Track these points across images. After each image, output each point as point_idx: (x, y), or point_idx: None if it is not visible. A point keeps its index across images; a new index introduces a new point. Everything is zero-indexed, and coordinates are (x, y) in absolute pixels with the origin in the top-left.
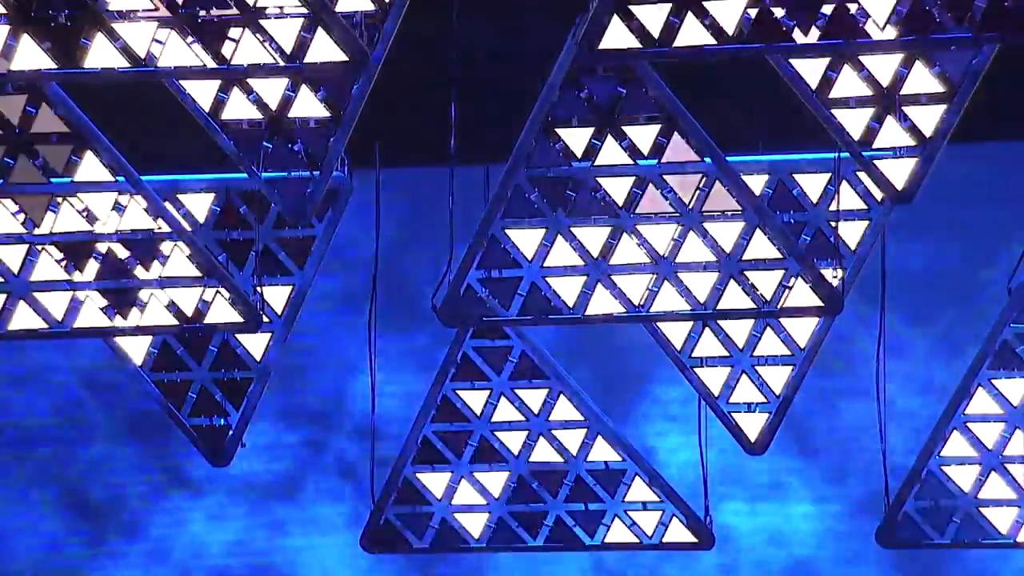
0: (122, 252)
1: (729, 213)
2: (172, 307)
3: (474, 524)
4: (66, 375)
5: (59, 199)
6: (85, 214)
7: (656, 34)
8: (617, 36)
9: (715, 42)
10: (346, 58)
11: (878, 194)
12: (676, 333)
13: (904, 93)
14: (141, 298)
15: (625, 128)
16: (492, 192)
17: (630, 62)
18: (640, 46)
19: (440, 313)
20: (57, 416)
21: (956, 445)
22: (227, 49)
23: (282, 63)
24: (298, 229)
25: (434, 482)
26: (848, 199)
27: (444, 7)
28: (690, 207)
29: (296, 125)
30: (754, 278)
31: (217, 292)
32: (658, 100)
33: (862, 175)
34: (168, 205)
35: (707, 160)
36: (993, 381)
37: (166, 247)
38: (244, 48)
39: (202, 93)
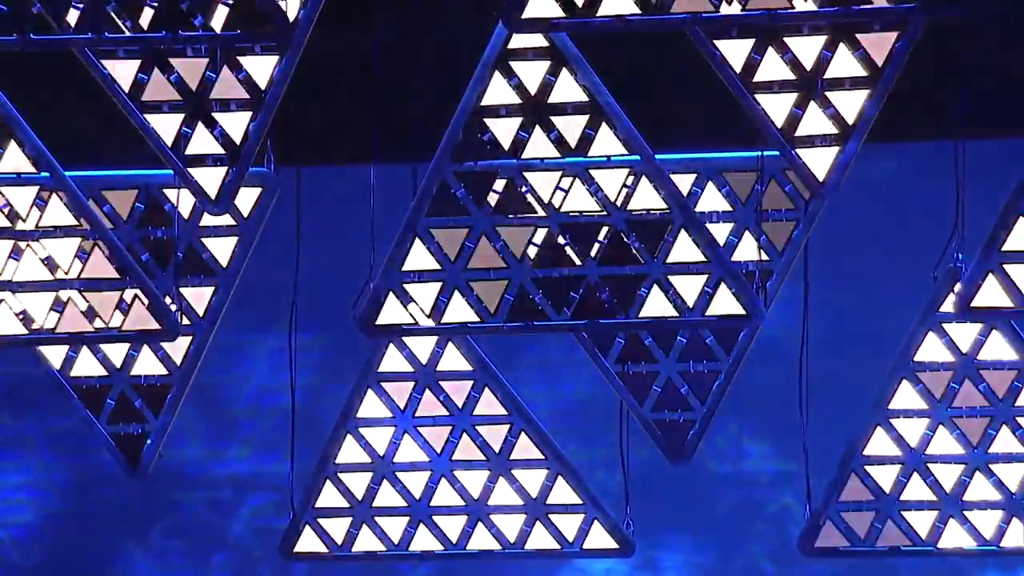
0: (41, 251)
1: (656, 213)
2: (91, 311)
3: (394, 528)
4: None
5: None
6: (7, 210)
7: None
8: (541, 9)
9: (639, 11)
10: (267, 26)
11: (807, 194)
12: (602, 340)
13: (828, 77)
14: (60, 300)
15: (553, 118)
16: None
17: (552, 32)
18: (563, 16)
19: (360, 323)
20: None
21: (879, 444)
22: (145, 20)
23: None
24: (222, 228)
25: (356, 483)
26: (777, 199)
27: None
28: (618, 206)
29: (216, 109)
30: (678, 283)
31: (136, 296)
32: (587, 89)
33: (790, 174)
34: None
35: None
36: (918, 373)
37: (87, 246)
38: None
39: (122, 74)
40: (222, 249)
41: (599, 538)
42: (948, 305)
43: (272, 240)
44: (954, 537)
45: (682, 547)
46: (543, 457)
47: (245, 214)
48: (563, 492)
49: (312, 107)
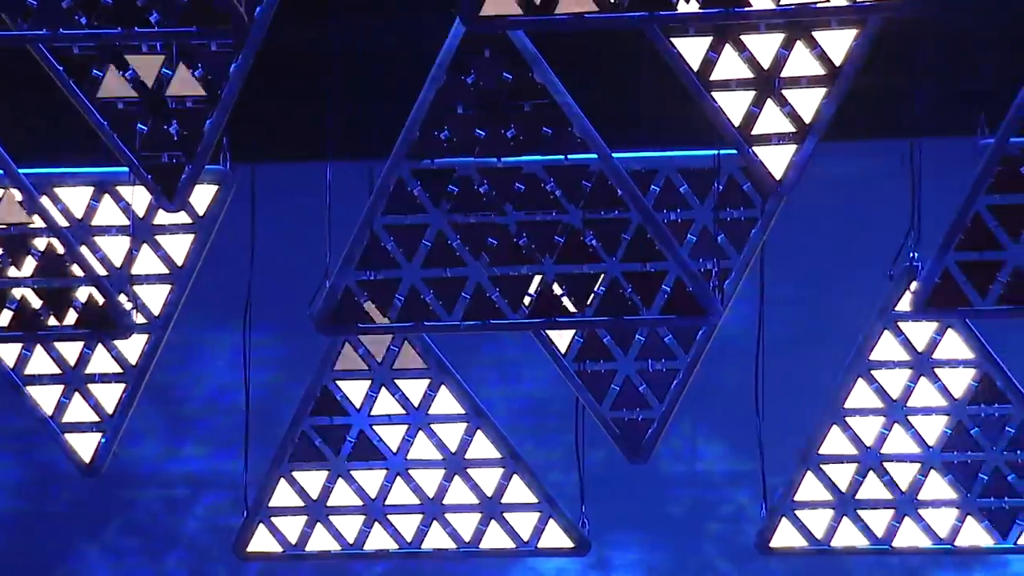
0: None
1: (615, 211)
2: (45, 309)
3: (349, 527)
4: None
5: None
6: None
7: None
8: (499, 6)
9: (597, 9)
10: (223, 23)
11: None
12: (560, 338)
13: (785, 75)
14: (14, 297)
15: (511, 116)
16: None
17: (510, 30)
18: (521, 13)
19: (316, 322)
20: None
21: (835, 442)
22: (101, 16)
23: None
24: (177, 226)
25: (311, 482)
26: (735, 198)
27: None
28: (578, 204)
29: (172, 106)
30: (635, 281)
31: (90, 293)
32: (545, 87)
33: (748, 172)
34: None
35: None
36: (873, 372)
37: (40, 244)
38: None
39: (78, 69)
40: (178, 247)
41: (554, 537)
42: (904, 304)
43: (228, 237)
44: (909, 536)
45: (634, 546)
46: (499, 456)
47: (201, 212)
48: (519, 491)
49: (268, 105)
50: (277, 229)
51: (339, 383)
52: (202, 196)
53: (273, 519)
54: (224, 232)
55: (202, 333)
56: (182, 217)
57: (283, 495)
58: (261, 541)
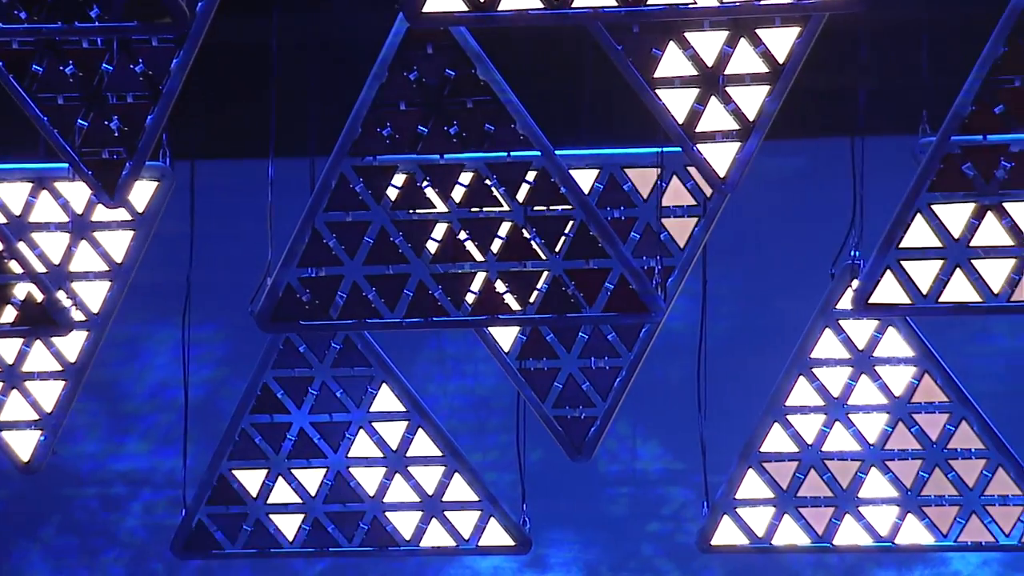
0: None
1: (556, 209)
2: None
3: (289, 525)
4: None
5: None
6: None
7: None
8: (442, 3)
9: (541, 6)
10: (164, 17)
11: (707, 190)
12: (504, 336)
13: (729, 73)
14: None
15: (454, 113)
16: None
17: (453, 26)
18: (465, 10)
19: (257, 319)
20: None
21: (776, 440)
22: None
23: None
24: (116, 222)
25: (251, 480)
26: (679, 195)
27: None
28: (520, 201)
29: (113, 101)
30: (579, 278)
31: (29, 290)
32: (487, 84)
33: (691, 170)
34: None
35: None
36: (814, 370)
37: None
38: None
39: (17, 63)
40: (117, 243)
41: (495, 535)
42: (845, 302)
43: (169, 234)
44: (850, 533)
45: (571, 545)
46: (440, 454)
47: (140, 208)
48: (460, 489)
49: (209, 101)
50: (218, 226)
51: (279, 381)
52: (142, 193)
53: (213, 516)
54: (165, 229)
55: (142, 330)
56: (121, 214)
57: (223, 493)
58: (200, 539)
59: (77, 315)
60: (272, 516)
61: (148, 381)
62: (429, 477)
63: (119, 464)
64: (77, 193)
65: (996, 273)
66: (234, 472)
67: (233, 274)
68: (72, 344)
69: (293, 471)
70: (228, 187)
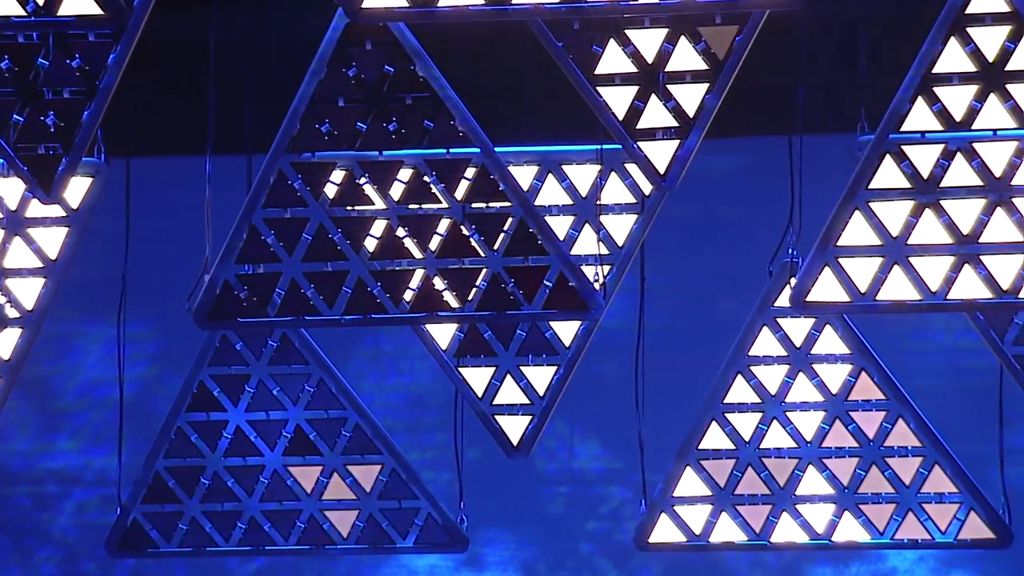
0: None
1: (495, 205)
2: None
3: (226, 523)
4: None
5: None
6: None
7: None
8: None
9: (481, 2)
10: (100, 12)
11: (646, 188)
12: (441, 333)
13: (669, 70)
14: None
15: (393, 110)
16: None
17: (393, 22)
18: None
19: (195, 316)
20: None
21: (714, 438)
22: None
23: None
24: (51, 219)
25: (186, 478)
26: (617, 193)
27: None
28: (457, 198)
29: (49, 96)
30: (518, 276)
31: None
32: (427, 80)
33: (630, 167)
34: None
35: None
36: (752, 368)
37: None
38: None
39: None
40: (51, 240)
41: (432, 534)
42: (783, 299)
43: (103, 231)
44: (787, 531)
45: (508, 544)
46: (378, 452)
47: (75, 205)
48: (397, 487)
49: (145, 97)
50: (152, 223)
51: (216, 379)
52: (76, 189)
53: (147, 515)
54: (100, 226)
55: (76, 327)
56: (55, 210)
57: (158, 491)
58: (134, 537)
59: (11, 312)
60: (208, 514)
61: (79, 379)
62: (366, 475)
63: (51, 462)
64: (10, 189)
65: (934, 271)
66: (170, 470)
67: (165, 271)
68: (6, 342)
69: (229, 469)
70: (163, 183)
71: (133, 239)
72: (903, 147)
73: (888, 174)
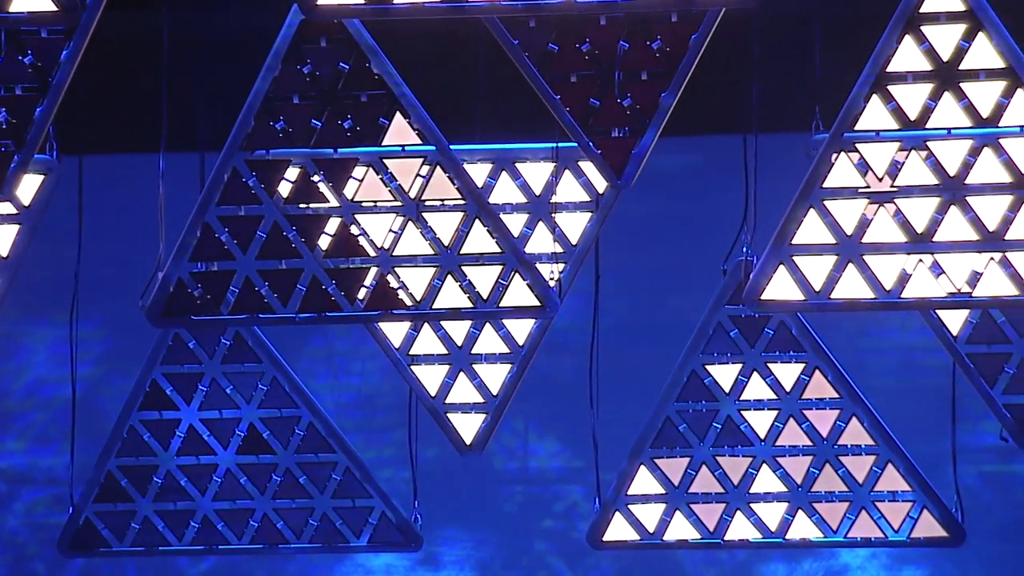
0: None
1: (449, 203)
2: None
3: (178, 522)
4: None
5: None
6: None
7: None
8: None
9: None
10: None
11: (600, 186)
12: (394, 330)
13: (625, 68)
14: None
15: (348, 107)
16: (208, 179)
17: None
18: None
19: (148, 314)
20: None
21: (668, 436)
22: None
23: None
24: (2, 216)
25: (138, 478)
26: (572, 191)
27: None
28: (411, 196)
29: (2, 93)
30: (472, 274)
31: None
32: (382, 77)
33: (584, 165)
34: None
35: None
36: (706, 366)
37: None
38: None
39: None
40: (2, 238)
41: (386, 532)
42: (738, 298)
43: (55, 229)
44: (741, 529)
45: (464, 543)
46: (332, 451)
47: (26, 202)
48: (351, 486)
49: (98, 93)
50: (106, 221)
51: (169, 377)
52: (28, 186)
53: (100, 514)
54: (51, 223)
55: (24, 326)
56: (7, 207)
57: (110, 490)
58: (86, 537)
59: None
60: (161, 513)
61: (26, 378)
62: (320, 474)
63: None
64: None
65: (888, 269)
66: (122, 469)
67: (115, 270)
68: None
69: (182, 468)
70: (116, 181)
71: (85, 237)
72: (858, 145)
73: (842, 172)
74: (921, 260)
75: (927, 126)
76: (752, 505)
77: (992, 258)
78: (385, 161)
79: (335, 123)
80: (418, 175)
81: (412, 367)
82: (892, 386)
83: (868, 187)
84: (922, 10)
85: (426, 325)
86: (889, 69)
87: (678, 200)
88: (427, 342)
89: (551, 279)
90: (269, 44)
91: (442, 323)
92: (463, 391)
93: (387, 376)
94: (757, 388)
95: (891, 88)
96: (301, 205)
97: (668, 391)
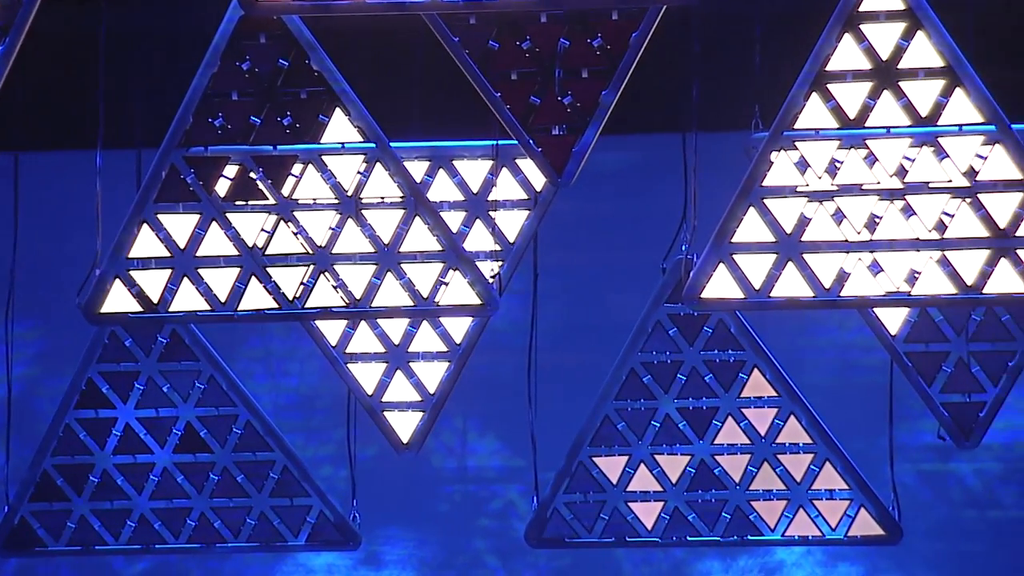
0: None
1: (388, 201)
2: None
3: (115, 521)
4: None
5: None
6: None
7: None
8: None
9: None
10: None
11: (538, 184)
12: (331, 328)
13: (565, 66)
14: None
15: (288, 104)
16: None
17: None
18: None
19: (85, 311)
20: None
21: (606, 435)
22: None
23: None
24: None
25: (75, 477)
26: (509, 188)
27: None
28: (349, 193)
29: None
30: (411, 271)
31: None
32: (321, 74)
33: (521, 163)
34: None
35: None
36: (645, 365)
37: None
38: None
39: None
40: None
41: (324, 531)
42: (677, 296)
43: None
44: (678, 528)
45: (405, 542)
46: (270, 450)
47: None
48: (289, 485)
49: (33, 90)
50: (42, 219)
51: (105, 375)
52: None
53: (36, 514)
54: None
55: None
56: None
57: (47, 490)
58: (23, 537)
59: None
60: (97, 512)
61: None
62: (257, 473)
63: None
64: None
65: (827, 268)
66: (58, 468)
67: (50, 269)
68: None
69: (119, 467)
70: (51, 179)
71: (20, 235)
72: (797, 144)
73: (782, 171)
74: (860, 259)
75: (866, 125)
76: (690, 503)
77: (930, 257)
78: (324, 158)
79: (274, 120)
80: (357, 172)
81: (349, 365)
82: (830, 384)
83: (807, 186)
84: (861, 9)
85: (363, 323)
86: (828, 68)
87: (618, 198)
88: (364, 340)
89: (490, 277)
90: (208, 40)
91: (379, 321)
92: (400, 389)
93: (326, 377)
94: (696, 386)
95: (830, 87)
96: (239, 202)
97: (607, 389)
